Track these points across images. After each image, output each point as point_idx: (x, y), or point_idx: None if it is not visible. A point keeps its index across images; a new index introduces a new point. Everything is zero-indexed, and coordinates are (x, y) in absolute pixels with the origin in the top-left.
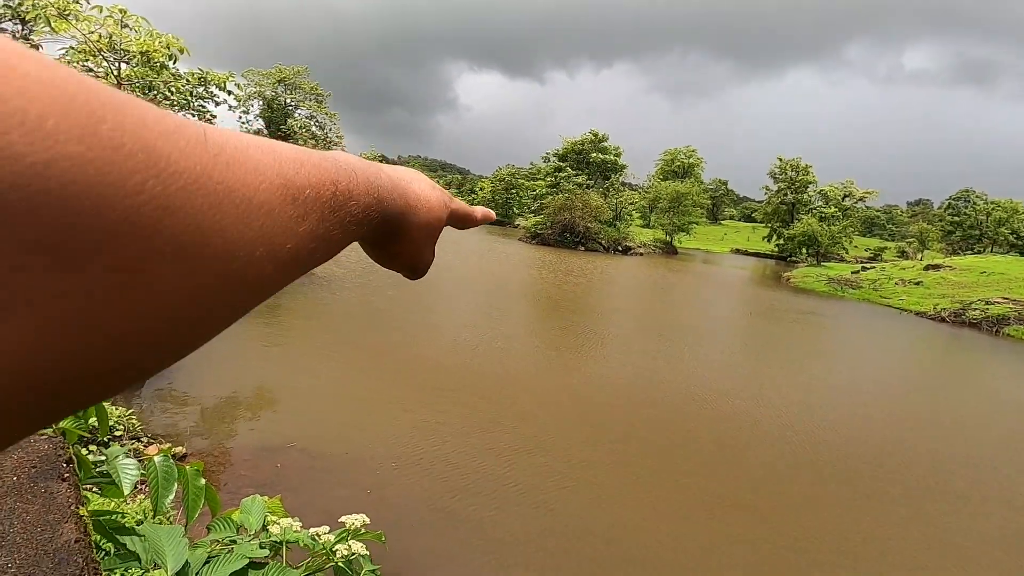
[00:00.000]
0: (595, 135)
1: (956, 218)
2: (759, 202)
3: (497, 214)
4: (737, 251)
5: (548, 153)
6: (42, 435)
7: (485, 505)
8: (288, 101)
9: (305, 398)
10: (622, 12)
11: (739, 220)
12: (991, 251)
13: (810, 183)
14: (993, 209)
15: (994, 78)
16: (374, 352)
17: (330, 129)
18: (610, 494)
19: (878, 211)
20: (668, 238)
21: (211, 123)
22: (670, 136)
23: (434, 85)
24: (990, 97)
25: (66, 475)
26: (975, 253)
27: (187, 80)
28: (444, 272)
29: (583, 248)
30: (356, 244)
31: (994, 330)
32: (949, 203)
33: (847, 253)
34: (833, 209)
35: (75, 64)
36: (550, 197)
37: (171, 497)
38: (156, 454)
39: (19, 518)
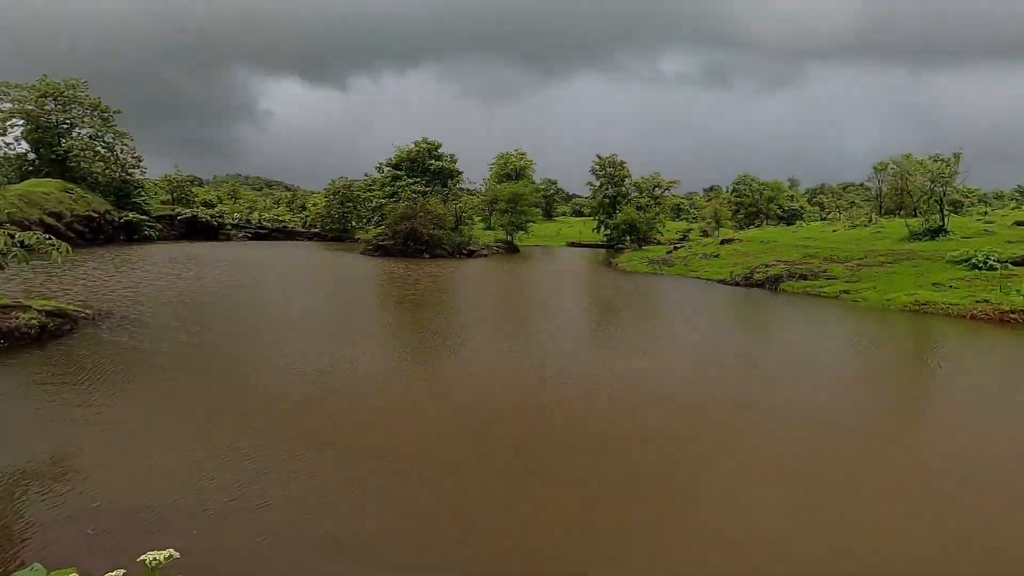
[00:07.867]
0: (428, 143)
1: (739, 199)
2: (586, 197)
3: (335, 229)
4: (572, 244)
5: (381, 163)
6: None
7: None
8: (61, 119)
9: (125, 453)
10: (416, 17)
11: (571, 215)
12: (766, 224)
13: (626, 177)
14: (763, 189)
15: (731, 79)
16: (198, 392)
17: (122, 149)
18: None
19: (681, 198)
20: (509, 237)
21: None
22: (491, 141)
23: (224, 93)
24: (733, 95)
25: None
26: (756, 226)
27: None
28: (273, 290)
29: (428, 255)
30: None
31: (774, 287)
32: (733, 187)
33: (662, 236)
34: (647, 199)
35: None
36: (390, 206)
37: None
38: None
39: None
